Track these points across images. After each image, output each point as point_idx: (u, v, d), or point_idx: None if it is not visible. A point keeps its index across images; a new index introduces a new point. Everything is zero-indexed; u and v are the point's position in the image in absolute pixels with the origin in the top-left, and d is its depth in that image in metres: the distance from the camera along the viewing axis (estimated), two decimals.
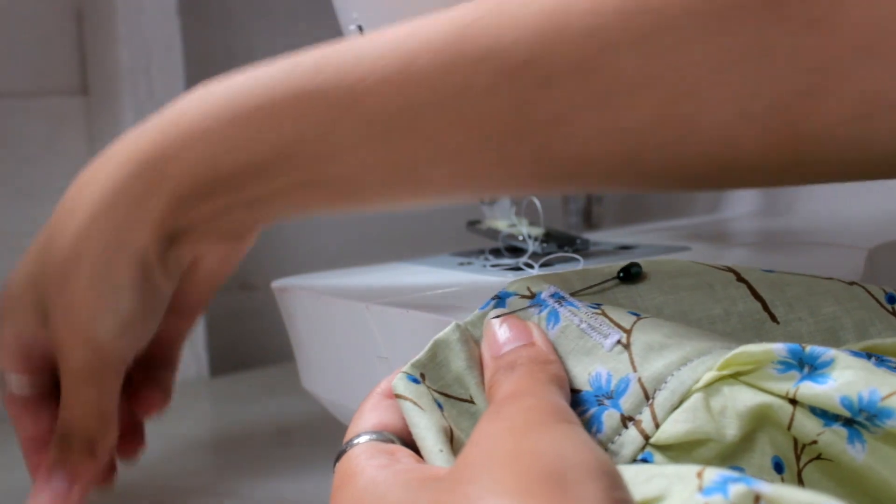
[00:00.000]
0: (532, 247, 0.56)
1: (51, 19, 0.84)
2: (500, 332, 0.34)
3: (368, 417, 0.34)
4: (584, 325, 0.34)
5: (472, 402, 0.34)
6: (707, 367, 0.32)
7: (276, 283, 0.58)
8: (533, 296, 0.36)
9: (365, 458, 0.31)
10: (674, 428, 0.31)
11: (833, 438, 0.30)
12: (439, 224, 0.99)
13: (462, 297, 0.50)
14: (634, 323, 0.34)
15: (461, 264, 0.58)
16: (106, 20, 0.82)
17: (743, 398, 0.31)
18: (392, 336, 0.47)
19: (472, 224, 0.63)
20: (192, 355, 0.87)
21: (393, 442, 0.33)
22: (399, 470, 0.30)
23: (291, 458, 0.65)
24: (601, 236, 0.69)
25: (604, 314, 0.34)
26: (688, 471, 0.26)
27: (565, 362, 0.34)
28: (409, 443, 0.33)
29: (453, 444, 0.32)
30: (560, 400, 0.30)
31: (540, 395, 0.30)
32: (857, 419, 0.30)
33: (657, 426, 0.31)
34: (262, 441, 0.70)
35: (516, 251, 0.58)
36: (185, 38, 0.85)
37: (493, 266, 0.56)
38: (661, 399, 0.31)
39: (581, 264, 0.53)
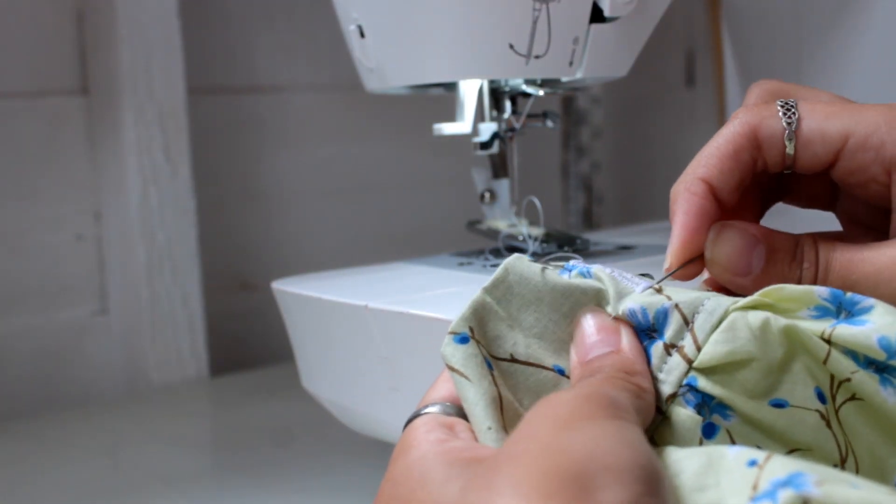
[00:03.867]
0: (532, 247, 0.56)
1: (51, 19, 0.84)
2: (590, 333, 0.33)
3: (440, 388, 0.34)
4: (615, 273, 0.34)
5: (512, 360, 0.34)
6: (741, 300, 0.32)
7: (276, 284, 0.58)
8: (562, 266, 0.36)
9: (423, 432, 0.32)
10: (714, 350, 0.31)
11: (866, 378, 0.31)
12: (439, 224, 0.99)
13: (462, 297, 0.50)
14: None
15: (461, 264, 0.58)
16: (106, 20, 0.82)
17: (782, 318, 0.31)
18: (392, 336, 0.47)
19: (472, 224, 0.63)
20: (192, 355, 0.87)
21: (454, 415, 0.33)
22: (450, 448, 0.30)
23: (291, 458, 0.65)
24: (601, 236, 0.69)
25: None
26: (744, 480, 0.26)
27: None
28: None
29: (504, 410, 0.32)
30: (624, 400, 0.29)
31: (601, 390, 0.29)
32: (890, 362, 0.30)
33: (699, 349, 0.31)
34: (262, 441, 0.70)
35: (516, 251, 0.58)
36: (185, 38, 0.85)
37: (493, 266, 0.56)
38: (700, 321, 0.32)
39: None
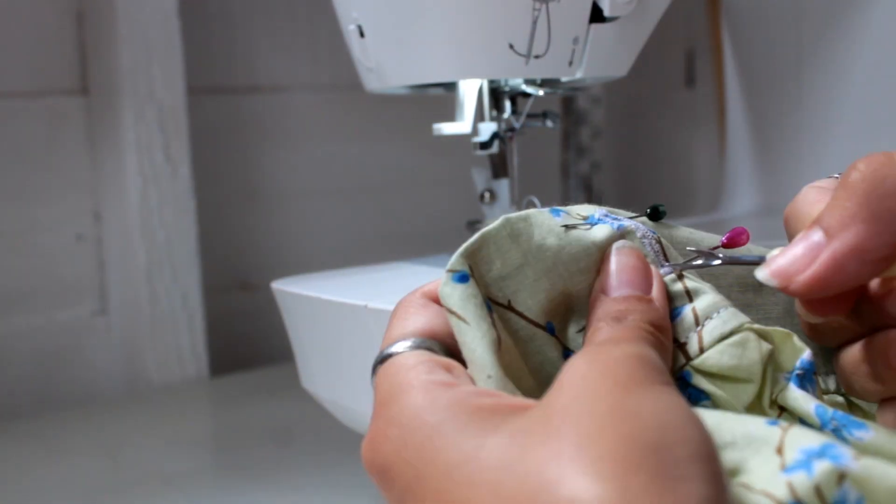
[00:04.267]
0: None
1: (51, 19, 0.84)
2: (621, 268, 0.31)
3: (414, 320, 0.30)
4: (644, 241, 0.33)
5: (509, 307, 0.31)
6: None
7: (276, 284, 0.58)
8: (585, 218, 0.34)
9: (421, 372, 0.28)
10: (720, 359, 0.30)
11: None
12: (439, 224, 0.99)
13: None
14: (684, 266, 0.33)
15: None
16: (106, 20, 0.82)
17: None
18: None
19: (472, 224, 0.62)
20: (192, 355, 0.87)
21: (439, 353, 0.29)
22: (464, 394, 0.27)
23: (291, 458, 0.65)
24: None
25: (660, 243, 0.33)
26: (763, 439, 0.25)
27: None
28: (456, 354, 0.30)
29: (502, 354, 0.29)
30: (657, 357, 0.27)
31: (643, 348, 0.27)
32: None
33: (702, 350, 0.30)
34: (262, 441, 0.70)
35: None
36: (185, 38, 0.85)
37: None
38: (710, 327, 0.31)
39: None
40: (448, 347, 0.30)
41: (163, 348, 0.85)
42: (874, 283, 0.30)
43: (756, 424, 0.26)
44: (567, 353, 0.32)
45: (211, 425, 0.80)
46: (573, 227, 0.32)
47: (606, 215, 0.34)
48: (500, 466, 0.23)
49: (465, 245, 0.31)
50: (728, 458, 0.25)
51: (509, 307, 0.31)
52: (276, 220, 0.97)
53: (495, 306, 0.31)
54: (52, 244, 0.84)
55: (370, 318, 0.48)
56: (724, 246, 0.34)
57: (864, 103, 0.72)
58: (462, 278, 0.30)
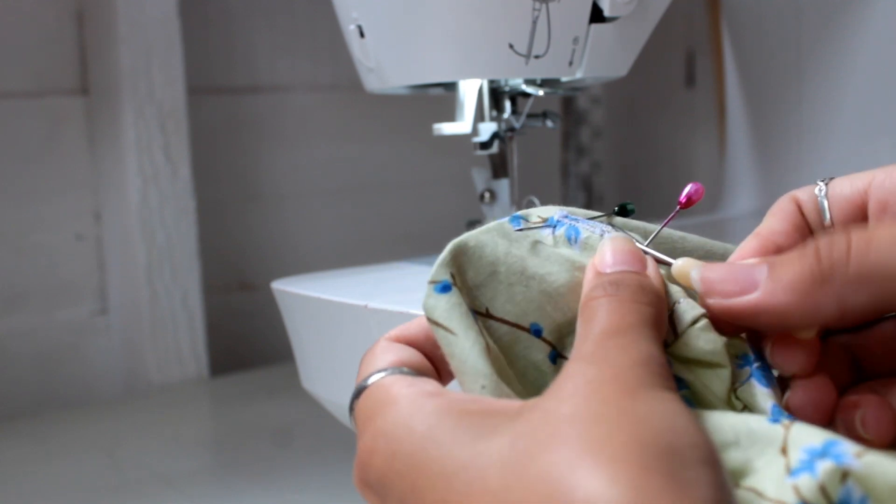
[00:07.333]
0: None
1: (51, 19, 0.84)
2: (615, 250, 0.30)
3: (383, 358, 0.30)
4: (606, 235, 0.32)
5: (488, 315, 0.31)
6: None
7: (276, 284, 0.58)
8: (545, 220, 0.33)
9: (401, 386, 0.27)
10: (696, 344, 0.29)
11: None
12: (439, 224, 0.99)
13: None
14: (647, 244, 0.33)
15: None
16: (106, 20, 0.82)
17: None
18: None
19: (472, 224, 0.62)
20: (192, 355, 0.87)
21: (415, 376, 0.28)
22: (449, 400, 0.26)
23: (291, 458, 0.65)
24: None
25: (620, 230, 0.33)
26: (767, 439, 0.25)
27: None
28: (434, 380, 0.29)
29: (490, 355, 0.29)
30: (661, 353, 0.27)
31: (643, 344, 0.26)
32: None
33: (676, 336, 0.30)
34: (261, 441, 0.70)
35: None
36: (185, 38, 0.85)
37: None
38: (680, 311, 0.30)
39: None
40: (423, 373, 0.29)
41: (163, 348, 0.85)
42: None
43: (758, 422, 0.25)
44: (553, 353, 0.31)
45: (211, 425, 0.80)
46: (528, 230, 0.32)
47: (566, 216, 0.33)
48: (504, 472, 0.23)
49: (441, 255, 0.30)
50: (732, 457, 0.25)
51: (488, 315, 0.31)
52: (276, 220, 0.97)
53: (476, 315, 0.30)
54: (52, 244, 0.84)
55: (370, 318, 0.48)
56: (682, 206, 0.34)
57: (864, 103, 0.72)
58: (444, 288, 0.30)
